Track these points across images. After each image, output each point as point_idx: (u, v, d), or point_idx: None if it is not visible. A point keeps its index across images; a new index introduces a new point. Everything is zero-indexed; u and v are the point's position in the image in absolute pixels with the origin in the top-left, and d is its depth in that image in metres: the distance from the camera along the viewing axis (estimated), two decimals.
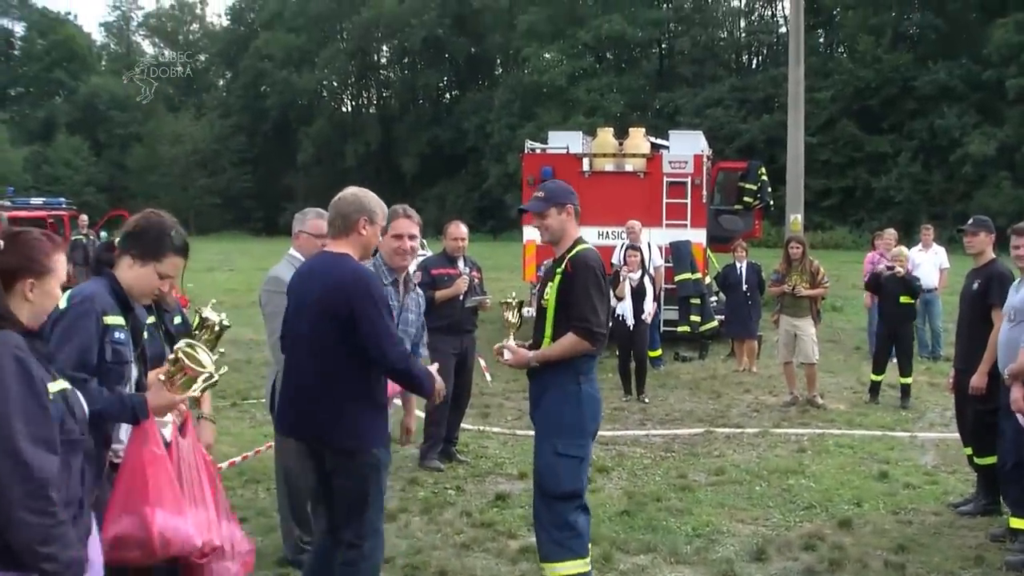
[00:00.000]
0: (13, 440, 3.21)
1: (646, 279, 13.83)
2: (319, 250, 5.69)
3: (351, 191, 5.44)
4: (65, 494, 3.39)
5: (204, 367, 4.27)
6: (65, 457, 3.40)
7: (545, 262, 6.28)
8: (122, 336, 4.25)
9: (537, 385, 5.99)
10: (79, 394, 3.64)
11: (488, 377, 13.17)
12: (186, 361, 4.22)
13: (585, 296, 5.75)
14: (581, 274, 5.80)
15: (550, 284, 5.91)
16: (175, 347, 4.32)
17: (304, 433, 5.32)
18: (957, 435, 9.27)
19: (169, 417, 4.50)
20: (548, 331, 5.91)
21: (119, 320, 4.27)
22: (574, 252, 5.90)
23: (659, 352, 15.62)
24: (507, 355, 5.96)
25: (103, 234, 27.81)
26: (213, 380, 4.37)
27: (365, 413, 5.19)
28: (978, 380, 8.03)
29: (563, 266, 5.87)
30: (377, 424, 5.27)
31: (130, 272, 4.38)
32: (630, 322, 13.48)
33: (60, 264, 3.65)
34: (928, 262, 16.61)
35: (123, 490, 4.18)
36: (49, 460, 3.29)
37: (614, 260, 15.31)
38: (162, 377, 4.26)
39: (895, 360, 13.37)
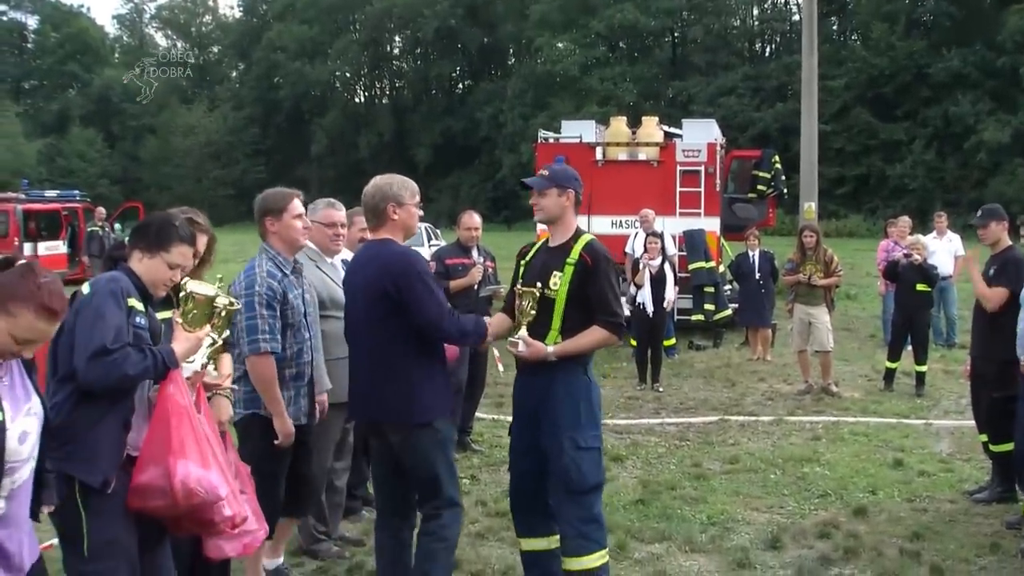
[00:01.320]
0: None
1: (666, 266, 13.81)
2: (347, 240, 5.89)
3: (372, 182, 5.61)
4: None
5: (211, 293, 4.58)
6: None
7: (528, 248, 5.93)
8: (143, 322, 4.32)
9: (543, 379, 5.61)
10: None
11: (500, 368, 13.17)
12: (196, 292, 4.53)
13: (609, 289, 5.57)
14: (603, 267, 5.59)
15: (557, 274, 5.57)
16: (182, 284, 4.59)
17: (367, 416, 5.52)
18: (972, 423, 9.25)
19: (198, 357, 4.60)
20: (556, 323, 5.57)
21: (140, 306, 4.33)
22: (585, 243, 5.64)
23: (673, 341, 15.59)
24: (522, 347, 5.57)
25: (117, 226, 27.88)
26: (221, 340, 4.75)
27: (423, 388, 5.35)
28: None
29: (575, 256, 5.57)
30: (437, 398, 5.43)
31: (140, 265, 4.46)
32: (650, 310, 13.47)
33: (23, 315, 3.51)
34: (942, 250, 16.54)
35: (150, 440, 4.30)
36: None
37: (627, 249, 15.30)
38: (179, 319, 4.49)
39: (910, 348, 13.35)
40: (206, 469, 4.33)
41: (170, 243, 4.48)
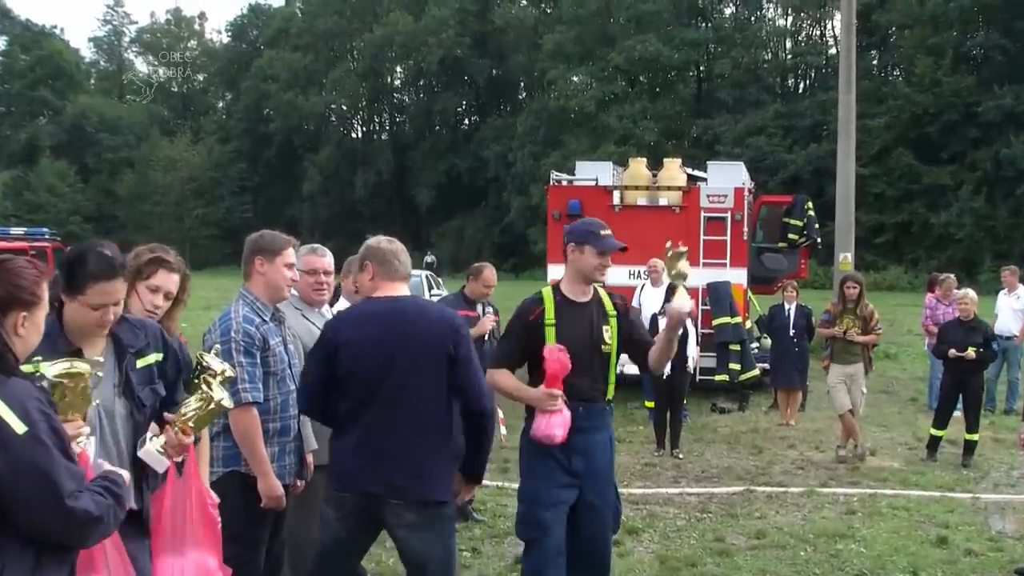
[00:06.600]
0: (62, 500, 3.30)
1: (688, 321, 13.72)
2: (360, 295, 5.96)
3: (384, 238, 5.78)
4: None
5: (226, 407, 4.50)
6: None
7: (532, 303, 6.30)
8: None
9: (593, 436, 6.07)
10: None
11: (503, 431, 13.09)
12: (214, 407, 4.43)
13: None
14: (631, 309, 6.27)
15: (607, 328, 6.11)
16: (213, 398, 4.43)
17: (381, 488, 5.40)
18: None
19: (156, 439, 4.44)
20: (612, 377, 6.15)
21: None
22: (605, 294, 6.26)
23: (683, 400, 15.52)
24: (687, 307, 5.98)
25: None
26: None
27: (448, 461, 5.49)
28: None
29: (611, 306, 6.19)
30: (453, 473, 5.57)
31: (65, 309, 4.25)
32: (667, 370, 13.40)
33: (46, 294, 3.64)
34: (1007, 307, 16.51)
35: None
36: (90, 502, 3.41)
37: (634, 303, 15.27)
38: (187, 413, 4.34)
39: (956, 414, 13.25)
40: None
41: (83, 283, 4.16)
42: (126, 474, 3.81)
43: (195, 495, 4.61)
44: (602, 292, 6.24)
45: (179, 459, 4.50)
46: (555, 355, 5.80)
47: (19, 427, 3.28)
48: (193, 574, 4.46)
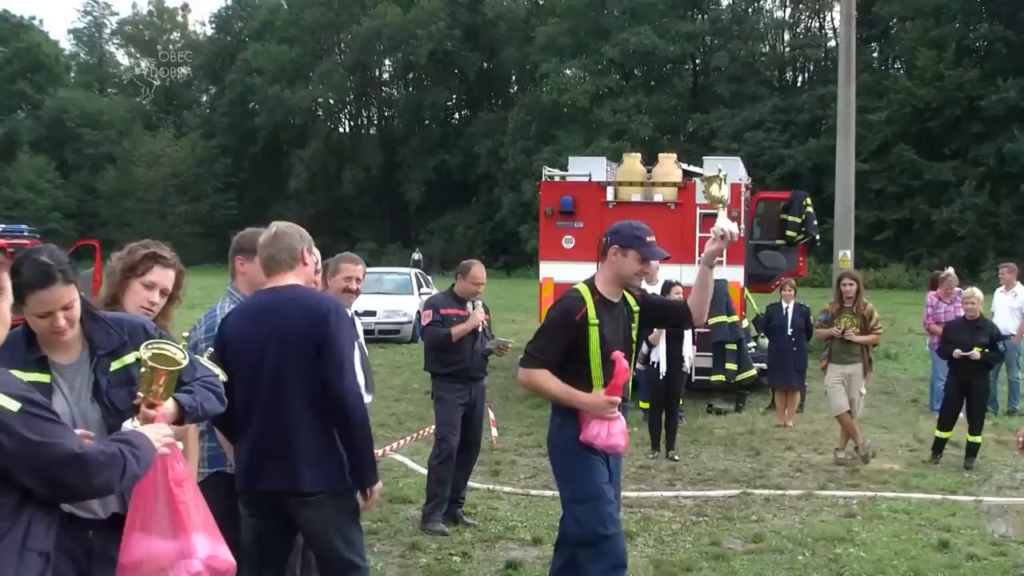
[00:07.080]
0: (74, 451, 3.47)
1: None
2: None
3: (284, 224, 5.72)
4: None
5: (179, 362, 4.21)
6: None
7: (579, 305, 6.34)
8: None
9: None
10: None
11: (494, 432, 13.07)
12: (159, 367, 4.15)
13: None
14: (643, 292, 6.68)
15: (633, 326, 6.36)
16: (142, 358, 4.16)
17: (275, 484, 5.40)
18: None
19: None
20: (632, 374, 6.44)
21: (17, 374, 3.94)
22: (627, 292, 6.43)
23: (680, 401, 15.52)
24: (736, 229, 6.31)
25: None
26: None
27: (335, 450, 5.41)
28: None
29: (633, 302, 6.39)
30: (341, 460, 5.47)
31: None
32: (663, 370, 13.41)
33: (8, 283, 3.64)
34: (1004, 305, 16.52)
35: None
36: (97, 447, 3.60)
37: None
38: (141, 393, 4.15)
39: (960, 415, 13.23)
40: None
41: (22, 294, 4.01)
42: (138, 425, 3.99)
43: (153, 474, 4.52)
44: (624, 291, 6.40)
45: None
46: (623, 363, 5.93)
47: (12, 405, 3.37)
48: (142, 554, 4.38)
